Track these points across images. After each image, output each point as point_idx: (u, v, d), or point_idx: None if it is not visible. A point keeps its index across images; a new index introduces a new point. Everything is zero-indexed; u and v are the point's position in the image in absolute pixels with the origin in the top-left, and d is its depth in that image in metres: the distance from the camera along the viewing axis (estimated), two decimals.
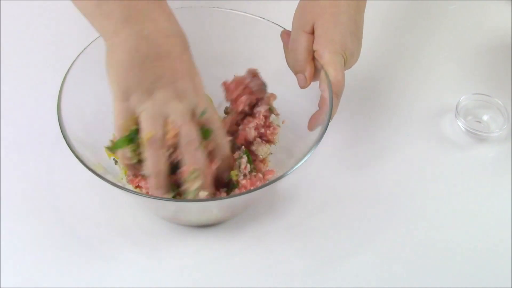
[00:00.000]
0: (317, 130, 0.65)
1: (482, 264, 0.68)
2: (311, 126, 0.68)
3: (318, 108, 0.68)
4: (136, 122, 0.61)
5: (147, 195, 0.62)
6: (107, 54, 0.60)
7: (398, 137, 0.79)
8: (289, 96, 0.73)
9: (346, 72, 0.70)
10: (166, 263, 0.66)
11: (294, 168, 0.61)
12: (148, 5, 0.60)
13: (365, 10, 0.71)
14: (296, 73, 0.69)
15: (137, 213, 0.70)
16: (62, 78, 0.66)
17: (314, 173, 0.74)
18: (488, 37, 0.91)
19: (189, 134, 0.61)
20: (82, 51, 0.68)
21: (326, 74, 0.67)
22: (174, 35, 0.61)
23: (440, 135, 0.79)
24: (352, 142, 0.78)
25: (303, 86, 0.69)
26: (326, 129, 0.63)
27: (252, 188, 0.65)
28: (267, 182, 0.64)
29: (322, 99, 0.68)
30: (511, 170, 0.76)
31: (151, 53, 0.59)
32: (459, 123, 0.79)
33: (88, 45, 0.69)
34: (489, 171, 0.76)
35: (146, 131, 0.60)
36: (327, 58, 0.67)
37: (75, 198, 0.71)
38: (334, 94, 0.66)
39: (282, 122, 0.73)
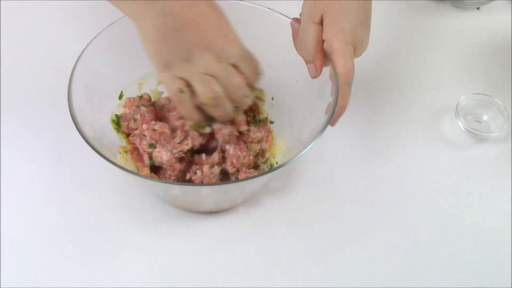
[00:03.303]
0: (322, 120, 0.65)
1: (482, 264, 0.68)
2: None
3: (325, 98, 0.69)
4: (185, 84, 0.64)
5: (151, 178, 0.65)
6: (140, 35, 0.64)
7: (398, 136, 0.79)
8: (295, 85, 0.73)
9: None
10: (171, 249, 0.67)
11: (299, 155, 0.62)
12: None
13: None
14: (307, 63, 0.70)
15: (147, 199, 0.71)
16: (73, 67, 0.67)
17: (315, 170, 0.74)
18: (488, 37, 0.92)
19: (236, 85, 0.64)
20: (89, 43, 0.70)
21: (332, 65, 0.67)
22: (196, 3, 0.63)
23: (440, 135, 0.79)
24: (352, 141, 0.78)
25: (314, 76, 0.70)
26: (331, 117, 0.65)
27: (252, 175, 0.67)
28: (271, 169, 0.64)
29: (332, 89, 0.68)
30: (511, 170, 0.76)
31: (178, 25, 0.62)
32: (459, 123, 0.79)
33: (93, 38, 0.70)
34: (489, 171, 0.76)
35: (205, 94, 0.63)
36: (337, 47, 0.67)
37: (84, 185, 0.72)
38: (345, 83, 0.67)
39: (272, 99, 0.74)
